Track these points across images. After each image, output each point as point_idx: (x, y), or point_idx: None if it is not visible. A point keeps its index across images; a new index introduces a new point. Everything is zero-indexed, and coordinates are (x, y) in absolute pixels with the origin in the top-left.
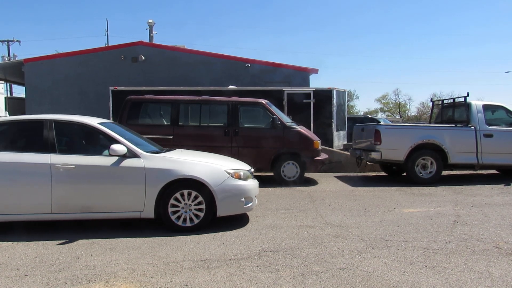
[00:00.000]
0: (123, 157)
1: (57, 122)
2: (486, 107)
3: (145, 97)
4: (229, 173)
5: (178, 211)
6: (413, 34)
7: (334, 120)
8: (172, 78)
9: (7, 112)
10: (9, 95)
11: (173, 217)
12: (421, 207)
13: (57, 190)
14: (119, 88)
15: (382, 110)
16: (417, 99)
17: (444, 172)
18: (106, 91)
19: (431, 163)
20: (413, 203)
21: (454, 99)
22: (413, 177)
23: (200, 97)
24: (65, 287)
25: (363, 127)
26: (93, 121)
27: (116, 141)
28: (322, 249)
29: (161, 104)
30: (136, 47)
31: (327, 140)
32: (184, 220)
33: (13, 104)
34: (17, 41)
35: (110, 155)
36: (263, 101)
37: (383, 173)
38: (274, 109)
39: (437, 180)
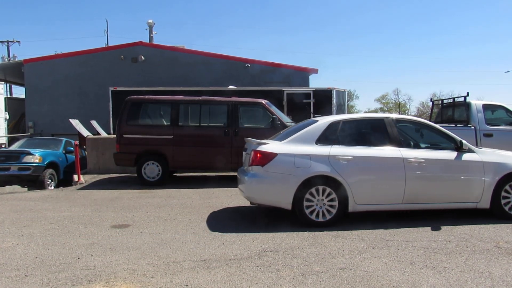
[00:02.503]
0: (462, 151)
1: (396, 120)
2: (486, 107)
3: (145, 97)
4: None
5: (509, 201)
6: (413, 34)
7: None
8: (172, 78)
9: (6, 113)
10: (9, 96)
11: (505, 207)
12: None
13: (410, 182)
14: (119, 89)
15: (382, 110)
16: (417, 98)
17: None
18: (106, 92)
19: None
20: None
21: (454, 98)
22: None
23: (200, 98)
24: None
25: None
26: (425, 120)
27: (452, 137)
28: (322, 249)
29: (161, 105)
30: (136, 47)
31: None
32: (511, 208)
33: (13, 105)
34: (16, 41)
35: (458, 149)
36: (263, 101)
37: None
38: (274, 109)
39: None
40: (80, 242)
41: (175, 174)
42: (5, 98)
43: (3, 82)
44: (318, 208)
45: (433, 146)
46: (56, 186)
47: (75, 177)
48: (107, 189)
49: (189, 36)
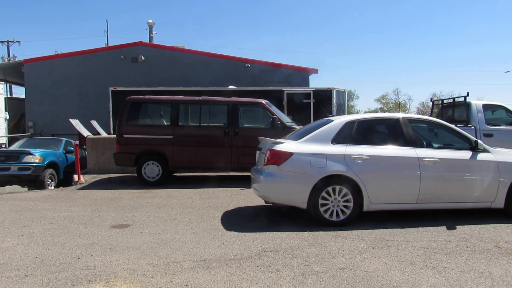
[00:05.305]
0: (477, 151)
1: (410, 119)
2: (486, 107)
3: (145, 97)
4: None
5: None
6: (413, 34)
7: None
8: (172, 78)
9: (7, 113)
10: (9, 96)
11: None
12: None
13: (424, 181)
14: (119, 89)
15: (382, 110)
16: (417, 98)
17: None
18: (106, 92)
19: None
20: None
21: (454, 98)
22: None
23: (200, 98)
24: None
25: None
26: (440, 120)
27: (467, 137)
28: (322, 249)
29: (161, 105)
30: (136, 48)
31: None
32: None
33: (13, 105)
34: (16, 41)
35: (473, 148)
36: (263, 101)
37: None
38: (274, 109)
39: None
40: (80, 242)
41: (175, 174)
42: (5, 98)
43: (3, 82)
44: (333, 207)
45: (448, 146)
46: (56, 186)
47: (75, 177)
48: (107, 189)
49: (189, 36)
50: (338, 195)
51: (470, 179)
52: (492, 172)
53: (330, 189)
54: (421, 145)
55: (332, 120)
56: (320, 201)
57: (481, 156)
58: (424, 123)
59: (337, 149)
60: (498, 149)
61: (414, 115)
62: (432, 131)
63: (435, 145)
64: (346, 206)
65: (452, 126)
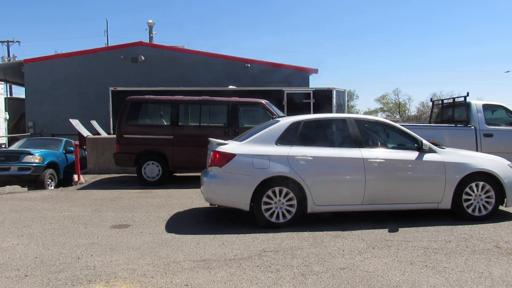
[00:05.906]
0: (423, 151)
1: (357, 120)
2: (486, 107)
3: (145, 97)
4: (511, 167)
5: (470, 201)
6: (413, 34)
7: None
8: (172, 78)
9: (7, 113)
10: (9, 96)
11: (465, 206)
12: None
13: (370, 182)
14: (119, 89)
15: (382, 110)
16: (417, 98)
17: None
18: (106, 92)
19: None
20: None
21: (454, 98)
22: None
23: (200, 98)
24: None
25: None
26: (383, 119)
27: (414, 137)
28: (322, 249)
29: (161, 105)
30: (136, 48)
31: None
32: (474, 209)
33: (13, 105)
34: (16, 41)
35: (419, 149)
36: (263, 101)
37: None
38: (274, 109)
39: None
40: (80, 242)
41: (175, 174)
42: (5, 98)
43: (3, 82)
44: (276, 209)
45: (398, 146)
46: (56, 186)
47: (75, 177)
48: (107, 189)
49: (189, 36)
50: (282, 196)
51: (416, 180)
52: (438, 172)
53: (272, 191)
54: (368, 146)
55: (279, 121)
56: (263, 203)
57: (427, 157)
58: (371, 123)
59: (280, 150)
60: (447, 149)
61: (361, 116)
62: (385, 131)
63: (385, 145)
64: (290, 207)
65: (399, 126)
